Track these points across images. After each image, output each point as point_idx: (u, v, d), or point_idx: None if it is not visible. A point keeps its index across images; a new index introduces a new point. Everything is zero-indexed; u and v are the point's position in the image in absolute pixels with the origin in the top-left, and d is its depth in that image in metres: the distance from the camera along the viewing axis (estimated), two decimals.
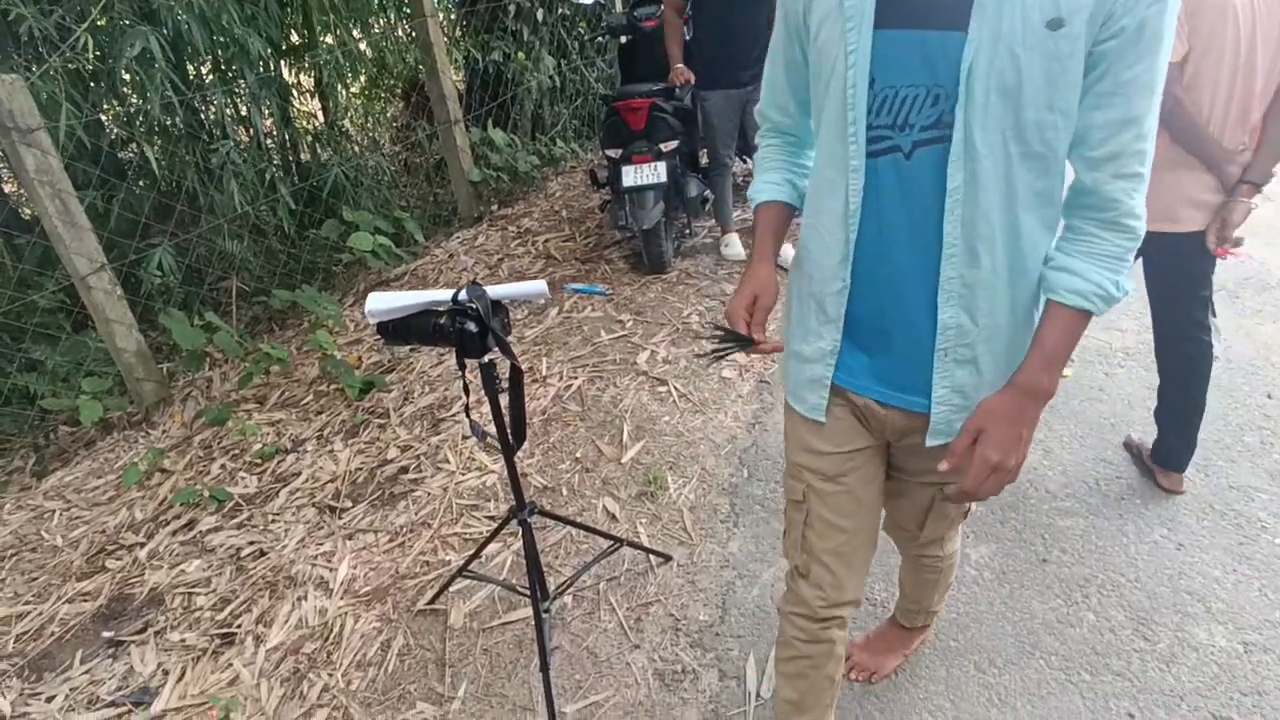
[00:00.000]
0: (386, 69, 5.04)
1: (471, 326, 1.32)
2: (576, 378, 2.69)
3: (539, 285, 1.37)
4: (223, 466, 2.66)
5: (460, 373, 1.39)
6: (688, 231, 3.88)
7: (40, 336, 3.29)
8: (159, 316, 3.15)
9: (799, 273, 1.07)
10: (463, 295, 1.34)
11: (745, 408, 2.47)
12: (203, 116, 4.03)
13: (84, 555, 2.35)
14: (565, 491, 2.16)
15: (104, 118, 3.77)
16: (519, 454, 1.98)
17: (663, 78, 3.40)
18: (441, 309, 1.36)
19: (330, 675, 1.69)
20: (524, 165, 4.49)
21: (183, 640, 1.91)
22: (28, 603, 2.19)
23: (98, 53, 3.25)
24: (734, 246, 3.62)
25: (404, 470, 2.41)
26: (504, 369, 1.41)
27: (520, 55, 4.99)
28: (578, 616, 1.75)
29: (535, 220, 4.20)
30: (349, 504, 2.29)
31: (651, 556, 1.87)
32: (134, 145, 4.09)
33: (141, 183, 3.82)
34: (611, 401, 2.55)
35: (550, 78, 5.08)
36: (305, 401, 2.97)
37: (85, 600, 2.15)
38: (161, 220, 3.50)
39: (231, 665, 1.79)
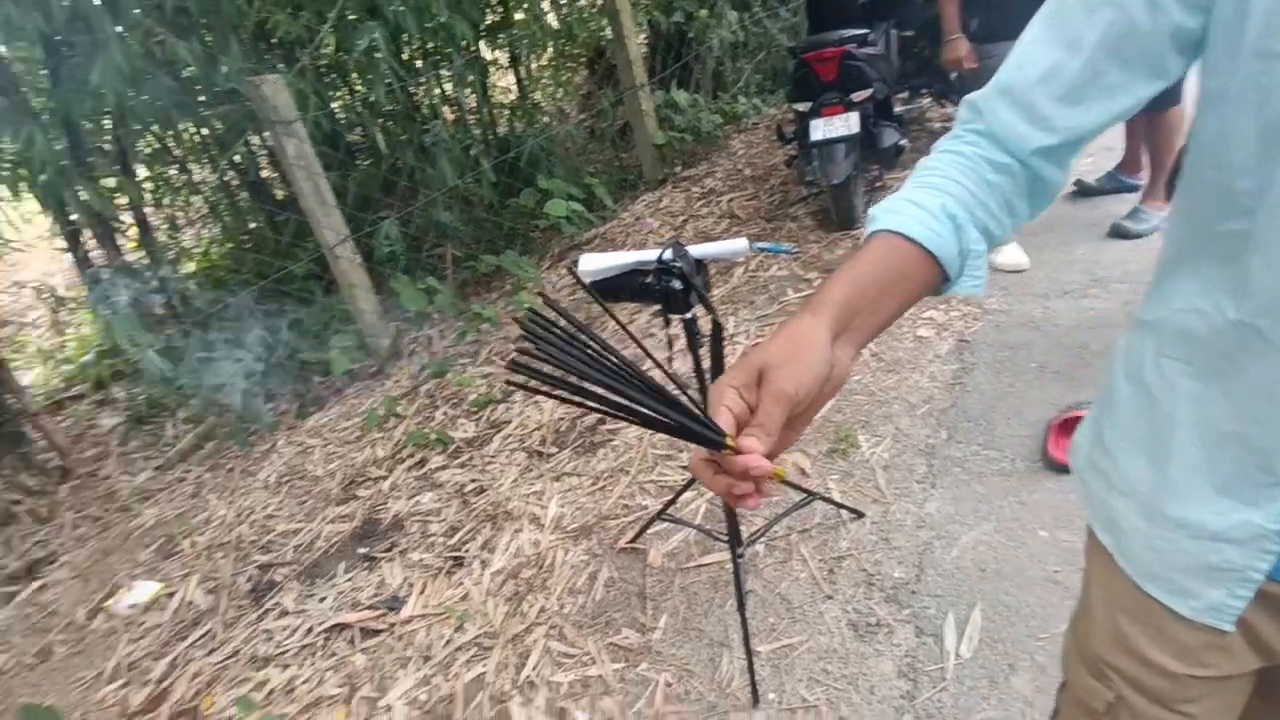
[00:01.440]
0: (572, 39, 5.24)
1: (676, 284, 1.40)
2: (764, 336, 2.72)
3: (740, 243, 1.41)
4: (445, 413, 3.00)
5: (665, 329, 1.48)
6: (879, 184, 3.73)
7: (297, 300, 3.85)
8: (389, 281, 3.57)
9: (1209, 393, 0.61)
10: (667, 255, 1.42)
11: (943, 368, 2.38)
12: (416, 99, 4.44)
13: (340, 484, 2.76)
14: None
15: (335, 107, 4.29)
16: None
17: (854, 23, 3.26)
18: (648, 268, 1.45)
19: (546, 599, 1.89)
20: (706, 125, 4.52)
21: (421, 560, 2.21)
22: (300, 522, 2.63)
23: (335, 49, 3.69)
24: (1008, 253, 2.83)
25: (601, 421, 2.58)
26: (705, 325, 1.48)
27: (703, 13, 4.98)
28: (770, 564, 1.81)
29: (718, 180, 4.23)
30: (554, 450, 2.50)
31: (843, 512, 1.89)
32: (360, 129, 4.62)
33: (368, 162, 4.31)
34: None
35: (732, 33, 5.02)
36: (511, 357, 3.25)
37: (344, 521, 2.54)
38: (386, 195, 3.93)
39: (462, 584, 2.05)
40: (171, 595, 2.43)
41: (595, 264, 1.49)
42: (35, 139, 3.06)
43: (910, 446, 2.08)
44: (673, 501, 1.91)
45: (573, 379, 0.47)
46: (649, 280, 1.44)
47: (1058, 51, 0.60)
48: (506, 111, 5.07)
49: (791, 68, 3.29)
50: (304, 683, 1.89)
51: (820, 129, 3.07)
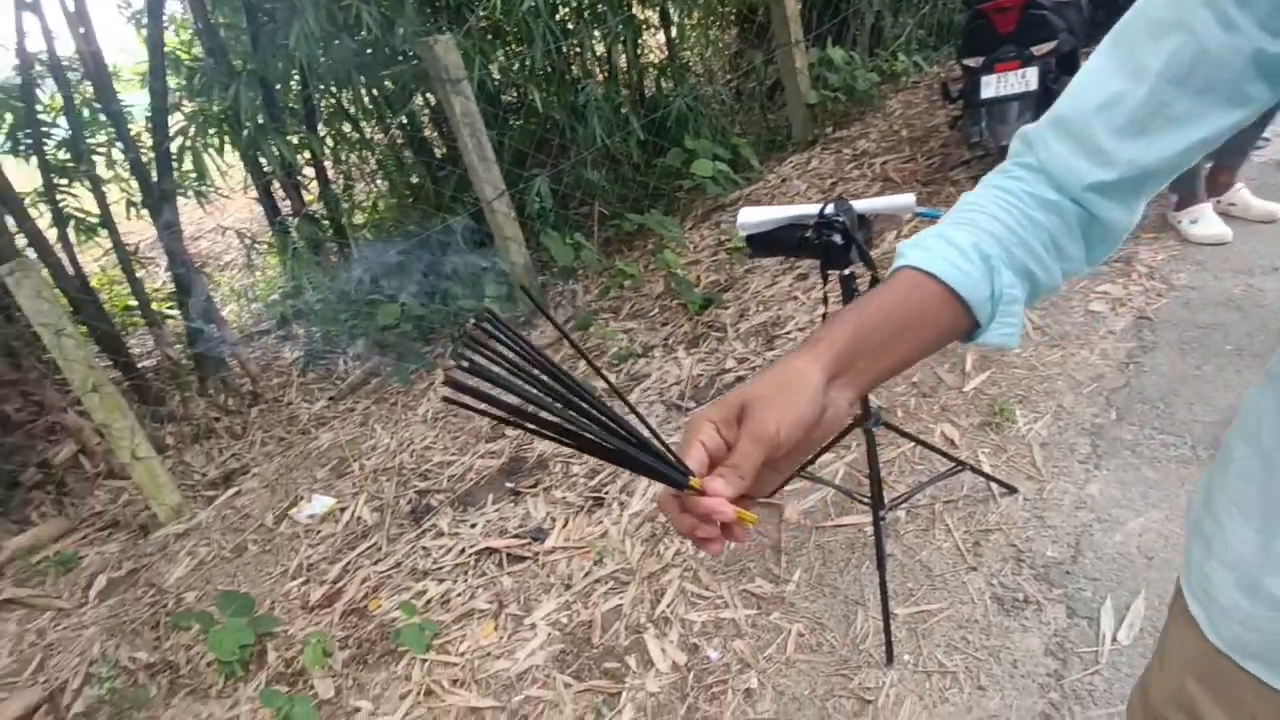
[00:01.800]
0: None
1: (838, 239, 1.38)
2: None
3: (907, 199, 1.38)
4: (587, 365, 3.12)
5: (823, 285, 1.47)
6: None
7: (454, 252, 4.10)
8: (540, 237, 3.72)
9: None
10: (830, 209, 1.40)
11: (1118, 345, 2.20)
12: (570, 60, 4.54)
13: (489, 424, 2.95)
14: (900, 414, 2.16)
15: (493, 67, 4.47)
16: None
17: None
18: (808, 222, 1.44)
19: (681, 543, 1.95)
20: (862, 84, 4.33)
21: (564, 498, 2.34)
22: (453, 455, 2.84)
23: (496, 10, 3.84)
24: (1207, 223, 2.56)
25: (740, 379, 2.60)
26: (864, 285, 1.46)
27: None
28: (911, 531, 1.78)
29: (872, 141, 4.07)
30: (692, 404, 2.55)
31: (994, 485, 1.82)
32: (516, 89, 4.79)
33: (520, 122, 4.47)
34: None
35: None
36: (652, 313, 3.32)
37: (492, 458, 2.73)
38: (538, 154, 4.08)
39: (602, 523, 2.15)
40: (343, 510, 2.71)
41: (754, 216, 1.49)
42: (240, 96, 3.41)
43: (1073, 425, 1.96)
44: (814, 459, 1.91)
45: (515, 401, 0.43)
46: (808, 234, 1.43)
47: (1119, 80, 0.54)
48: (655, 71, 5.09)
49: (965, 19, 3.08)
50: (457, 596, 2.07)
51: (992, 86, 2.87)
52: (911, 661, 1.48)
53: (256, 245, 4.71)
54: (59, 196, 3.67)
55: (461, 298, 3.71)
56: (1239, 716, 0.61)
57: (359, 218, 4.88)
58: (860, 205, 1.41)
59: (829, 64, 4.43)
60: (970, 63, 3.00)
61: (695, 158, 3.90)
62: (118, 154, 3.79)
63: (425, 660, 1.87)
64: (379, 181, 5.00)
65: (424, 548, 2.35)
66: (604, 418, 0.46)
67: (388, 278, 3.97)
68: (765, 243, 1.51)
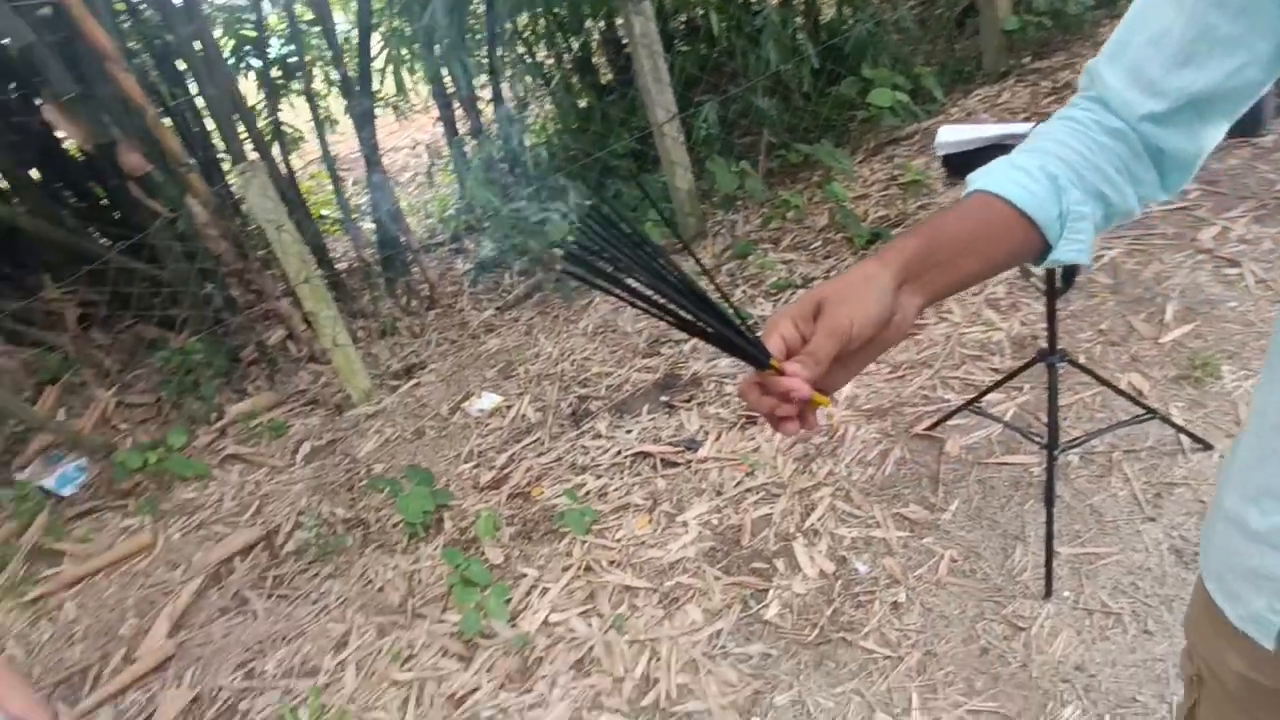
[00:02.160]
0: None
1: None
2: (1111, 248, 2.44)
3: None
4: (744, 292, 3.15)
5: None
6: None
7: (618, 176, 4.21)
8: (705, 163, 3.73)
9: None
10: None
11: None
12: None
13: (646, 341, 3.07)
14: (1083, 360, 2.05)
15: None
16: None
17: None
18: (1013, 141, 1.38)
19: (835, 465, 1.99)
20: (1073, 8, 3.93)
21: (717, 414, 2.43)
22: (611, 367, 2.99)
23: None
24: None
25: None
26: None
27: None
28: (1084, 476, 1.72)
29: (1077, 74, 3.71)
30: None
31: (1185, 439, 1.71)
32: (685, 14, 4.74)
33: (690, 47, 4.44)
34: (1154, 278, 2.26)
35: None
36: (814, 246, 3.28)
37: (648, 372, 2.85)
38: (711, 78, 4.05)
39: (754, 439, 2.22)
40: (509, 408, 2.94)
41: (955, 135, 1.45)
42: (435, 17, 3.62)
43: None
44: (980, 397, 1.86)
45: (626, 280, 0.48)
46: None
47: (1166, 9, 0.54)
48: None
49: None
50: (614, 490, 2.23)
51: None
52: (1071, 598, 1.46)
53: (436, 162, 5.03)
54: (278, 107, 4.08)
55: (623, 221, 3.81)
56: (1233, 645, 0.62)
57: (529, 139, 5.08)
58: None
59: None
60: None
61: (872, 87, 3.73)
62: (328, 70, 4.15)
63: (584, 541, 2.04)
64: (549, 105, 5.16)
65: (583, 446, 2.53)
66: (701, 306, 0.50)
67: (555, 197, 4.15)
68: (964, 164, 1.46)
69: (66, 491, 3.16)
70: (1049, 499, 1.48)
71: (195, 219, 3.33)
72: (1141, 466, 1.69)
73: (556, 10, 4.50)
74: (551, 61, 4.98)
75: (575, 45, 4.69)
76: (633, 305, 0.49)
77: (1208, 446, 1.68)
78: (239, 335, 3.75)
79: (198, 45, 3.35)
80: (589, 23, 4.63)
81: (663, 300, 0.49)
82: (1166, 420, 1.68)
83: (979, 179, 0.60)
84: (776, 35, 3.95)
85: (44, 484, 3.17)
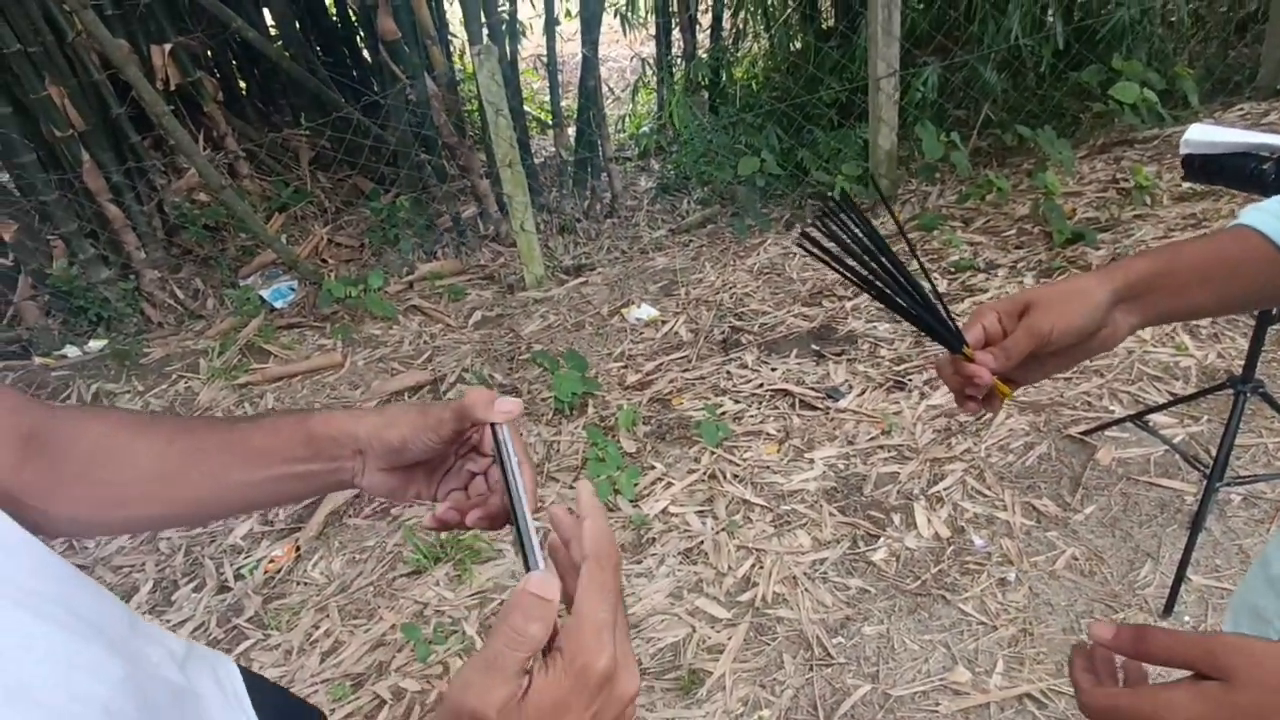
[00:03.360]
0: None
1: None
2: None
3: None
4: (920, 266, 3.10)
5: None
6: None
7: (820, 124, 4.16)
8: (914, 127, 3.63)
9: None
10: None
11: None
12: None
13: (809, 291, 3.11)
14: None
15: None
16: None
17: None
18: (1270, 155, 1.31)
19: (975, 444, 2.00)
20: None
21: (865, 372, 2.46)
22: (769, 307, 3.06)
23: None
24: None
25: None
26: None
27: None
28: (1242, 518, 1.65)
29: None
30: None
31: None
32: None
33: (924, 4, 4.23)
34: None
35: None
36: (1007, 233, 3.15)
37: (804, 320, 2.90)
38: (945, 39, 3.87)
39: (898, 404, 2.26)
40: (664, 323, 3.10)
41: (1205, 135, 1.39)
42: None
43: None
44: (1151, 411, 1.80)
45: (852, 263, 0.54)
46: (1265, 167, 1.31)
47: None
48: None
49: None
50: (750, 416, 2.35)
51: None
52: (1191, 623, 1.44)
53: (646, 76, 5.15)
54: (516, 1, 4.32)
55: (817, 168, 3.80)
56: None
57: (738, 72, 5.08)
58: None
59: None
60: None
61: (1118, 80, 3.44)
62: None
63: (714, 453, 2.19)
64: (764, 40, 5.11)
65: (728, 371, 2.65)
66: (912, 292, 0.58)
67: (751, 133, 4.17)
68: (1207, 168, 1.40)
69: (279, 304, 3.68)
70: (1196, 523, 1.45)
71: (428, 89, 3.65)
72: None
73: None
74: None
75: None
76: (852, 282, 0.58)
77: None
78: (440, 204, 4.11)
79: None
80: None
81: (880, 282, 0.57)
82: None
83: (1249, 214, 0.59)
84: (1025, 5, 3.70)
85: (262, 293, 3.70)
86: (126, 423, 0.56)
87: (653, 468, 2.19)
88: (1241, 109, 3.51)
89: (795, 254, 3.43)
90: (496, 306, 3.53)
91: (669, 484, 2.10)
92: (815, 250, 0.57)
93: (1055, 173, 3.26)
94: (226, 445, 0.56)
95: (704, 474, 2.11)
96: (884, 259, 0.58)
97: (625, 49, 7.51)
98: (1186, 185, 2.97)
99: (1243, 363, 1.46)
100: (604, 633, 0.37)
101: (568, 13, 4.57)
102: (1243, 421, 1.85)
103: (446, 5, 4.33)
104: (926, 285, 0.61)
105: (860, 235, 0.58)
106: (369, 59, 4.21)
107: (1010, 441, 1.99)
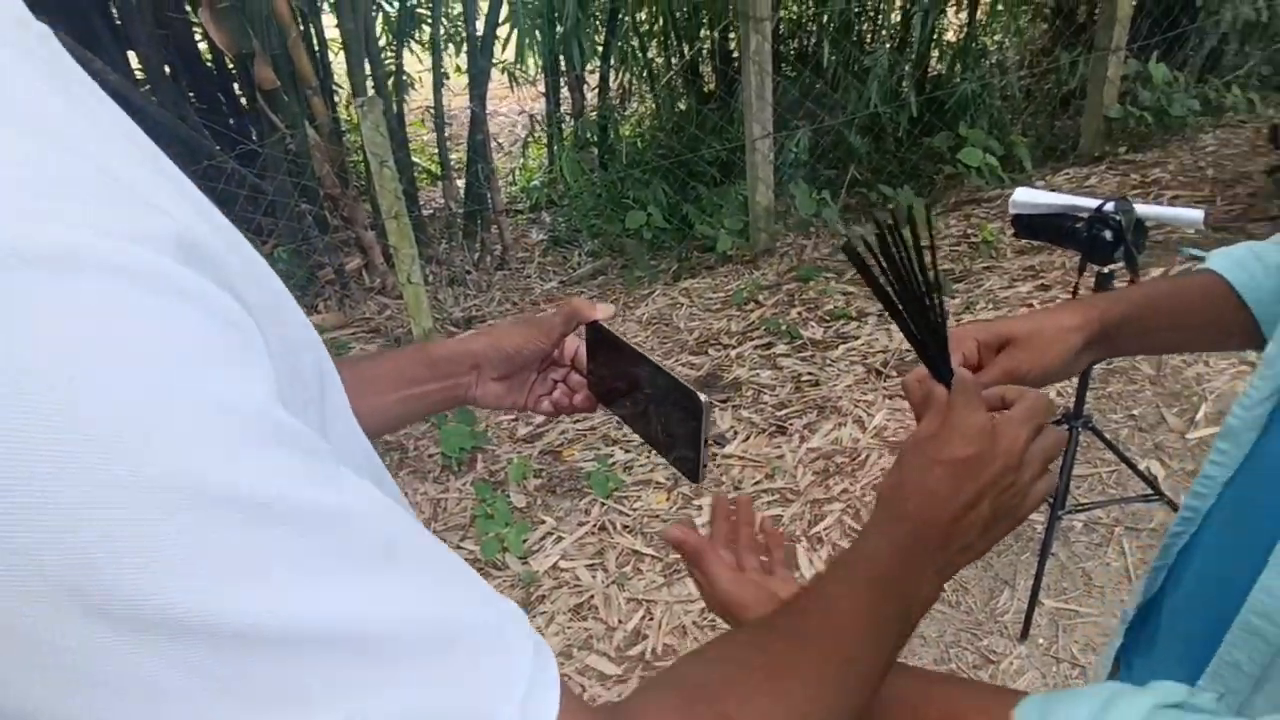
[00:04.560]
0: None
1: (1108, 235, 1.42)
2: None
3: (1194, 213, 1.38)
4: (798, 313, 3.26)
5: (1079, 277, 1.52)
6: None
7: (703, 180, 4.35)
8: (788, 185, 3.86)
9: None
10: (1109, 206, 1.44)
11: None
12: (865, 21, 4.54)
13: (695, 340, 3.21)
14: (1109, 437, 2.13)
15: (788, 13, 4.56)
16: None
17: None
18: (1082, 214, 1.49)
19: (851, 484, 2.10)
20: (1178, 110, 3.96)
21: (749, 418, 2.55)
22: (658, 357, 3.13)
23: None
24: None
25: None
26: (1121, 284, 1.49)
27: None
28: (1084, 542, 1.81)
29: (1168, 172, 3.74)
30: (894, 374, 2.64)
31: None
32: (802, 39, 4.86)
33: (796, 72, 4.55)
34: (1195, 378, 2.32)
35: (1255, 9, 4.22)
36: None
37: (692, 369, 2.98)
38: (811, 105, 4.16)
39: (780, 448, 2.34)
40: None
41: (1029, 197, 1.56)
42: None
43: None
44: None
45: (880, 281, 0.52)
46: (1078, 226, 1.48)
47: None
48: (949, 50, 4.93)
49: None
50: (640, 465, 2.37)
51: None
52: (1045, 645, 1.56)
53: (535, 132, 5.24)
54: (402, 53, 4.32)
55: (701, 222, 3.96)
56: None
57: (626, 130, 5.26)
58: (1142, 209, 1.43)
59: (1146, 80, 4.07)
60: None
61: (965, 145, 3.81)
62: (457, 24, 4.37)
63: (604, 504, 2.19)
64: (651, 101, 5.33)
65: (618, 421, 2.67)
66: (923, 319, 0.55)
67: (638, 188, 4.31)
68: (1032, 226, 1.57)
69: None
70: (1044, 552, 1.58)
71: (309, 139, 3.57)
72: (1139, 544, 1.77)
73: (677, 13, 4.67)
74: (661, 61, 5.15)
75: (687, 50, 4.85)
76: (880, 299, 0.53)
77: None
78: (322, 255, 3.99)
79: None
80: (705, 31, 4.79)
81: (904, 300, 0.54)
82: (1174, 506, 1.76)
83: (1214, 259, 0.61)
84: (882, 77, 4.06)
85: None
86: None
87: (543, 522, 2.17)
88: (1068, 173, 3.95)
89: (682, 304, 3.54)
90: None
91: (559, 538, 2.08)
92: (858, 263, 0.53)
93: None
94: (355, 377, 0.57)
95: (594, 526, 2.11)
96: (920, 278, 0.54)
97: (518, 103, 7.62)
98: (1024, 241, 3.29)
99: (1074, 401, 1.63)
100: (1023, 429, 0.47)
101: (457, 68, 4.61)
102: (1079, 454, 2.04)
103: (331, 55, 4.27)
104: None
105: (905, 255, 0.53)
106: (247, 106, 4.08)
107: (880, 478, 2.10)
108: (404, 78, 4.43)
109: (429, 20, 4.16)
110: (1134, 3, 3.93)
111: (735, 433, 2.49)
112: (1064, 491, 1.64)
